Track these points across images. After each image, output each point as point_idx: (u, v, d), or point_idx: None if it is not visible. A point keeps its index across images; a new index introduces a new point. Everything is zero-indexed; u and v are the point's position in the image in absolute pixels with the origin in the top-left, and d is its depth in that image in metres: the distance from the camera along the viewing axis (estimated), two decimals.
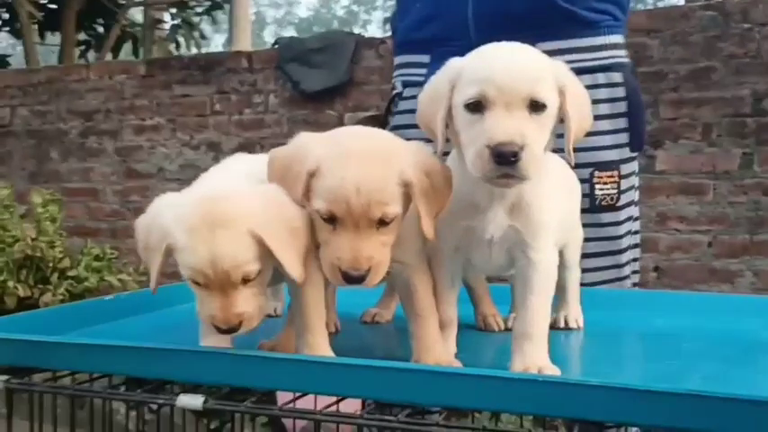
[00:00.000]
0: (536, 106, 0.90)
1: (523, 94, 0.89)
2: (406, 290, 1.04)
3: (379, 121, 1.79)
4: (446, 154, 1.01)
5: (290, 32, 30.44)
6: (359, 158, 0.90)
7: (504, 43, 0.96)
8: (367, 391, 0.89)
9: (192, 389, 0.95)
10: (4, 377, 0.98)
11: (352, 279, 0.91)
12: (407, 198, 0.93)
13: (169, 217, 0.92)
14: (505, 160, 0.86)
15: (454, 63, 0.97)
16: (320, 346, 0.99)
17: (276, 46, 4.34)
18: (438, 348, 1.01)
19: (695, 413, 0.75)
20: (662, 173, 3.44)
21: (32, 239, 3.58)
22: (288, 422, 3.06)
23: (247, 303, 0.92)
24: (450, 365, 0.98)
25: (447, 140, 0.98)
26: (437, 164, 0.98)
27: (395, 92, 1.70)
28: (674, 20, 3.42)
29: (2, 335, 1.02)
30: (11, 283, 3.51)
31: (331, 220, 0.92)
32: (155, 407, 0.95)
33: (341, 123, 4.05)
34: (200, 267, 0.89)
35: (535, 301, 0.98)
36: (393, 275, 1.06)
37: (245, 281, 0.91)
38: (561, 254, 1.28)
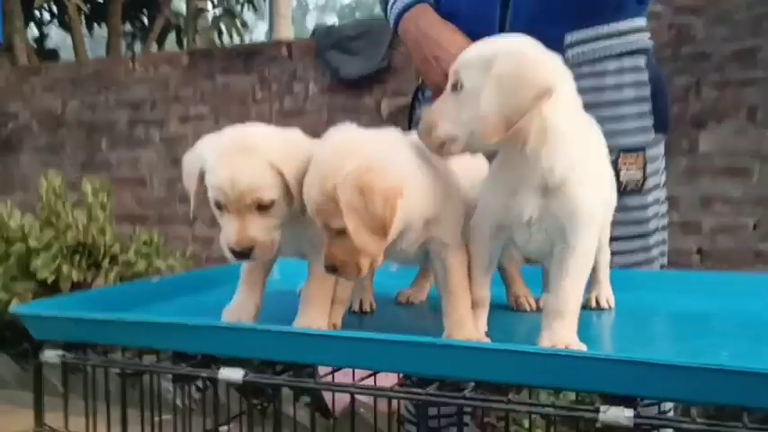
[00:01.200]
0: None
1: None
2: (442, 268, 1.08)
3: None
4: None
5: (332, 19, 30.49)
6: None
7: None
8: (398, 365, 0.93)
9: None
10: (60, 352, 1.05)
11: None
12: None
13: (206, 146, 1.06)
14: None
15: None
16: (316, 319, 1.07)
17: (315, 34, 4.38)
18: (468, 325, 1.04)
19: (718, 387, 0.77)
20: (705, 155, 3.39)
21: (84, 226, 3.70)
22: (330, 401, 3.13)
23: (262, 231, 1.01)
24: (479, 342, 1.01)
25: None
26: (377, 181, 0.93)
27: (420, 82, 1.71)
28: None
29: (58, 313, 1.09)
30: (65, 268, 3.64)
31: None
32: (201, 385, 1.00)
33: (378, 110, 4.08)
34: (221, 186, 1.00)
35: (569, 283, 0.99)
36: (430, 253, 1.10)
37: (261, 208, 1.01)
38: None
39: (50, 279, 3.61)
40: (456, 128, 0.97)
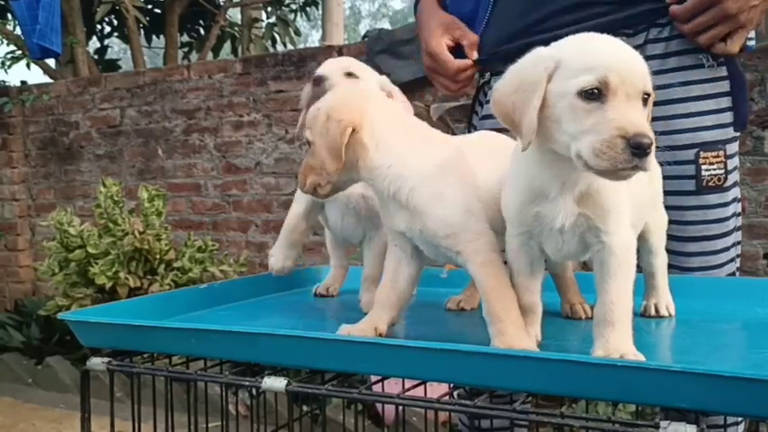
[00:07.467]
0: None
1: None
2: (475, 281, 1.06)
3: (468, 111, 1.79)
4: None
5: (384, 25, 30.57)
6: None
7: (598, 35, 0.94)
8: (444, 375, 0.90)
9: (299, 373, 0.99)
10: (106, 359, 1.05)
11: None
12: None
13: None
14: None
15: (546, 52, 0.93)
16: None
17: (366, 39, 4.38)
18: (511, 332, 1.00)
19: None
20: None
21: (140, 233, 3.76)
22: (381, 409, 3.11)
23: None
24: (526, 351, 0.97)
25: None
26: (338, 113, 1.09)
27: (482, 81, 1.69)
28: None
29: (104, 319, 1.09)
30: (122, 275, 3.71)
31: None
32: (254, 392, 0.99)
33: (428, 114, 4.04)
34: None
35: (614, 286, 0.96)
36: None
37: None
38: (646, 239, 1.24)
39: (108, 285, 3.68)
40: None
